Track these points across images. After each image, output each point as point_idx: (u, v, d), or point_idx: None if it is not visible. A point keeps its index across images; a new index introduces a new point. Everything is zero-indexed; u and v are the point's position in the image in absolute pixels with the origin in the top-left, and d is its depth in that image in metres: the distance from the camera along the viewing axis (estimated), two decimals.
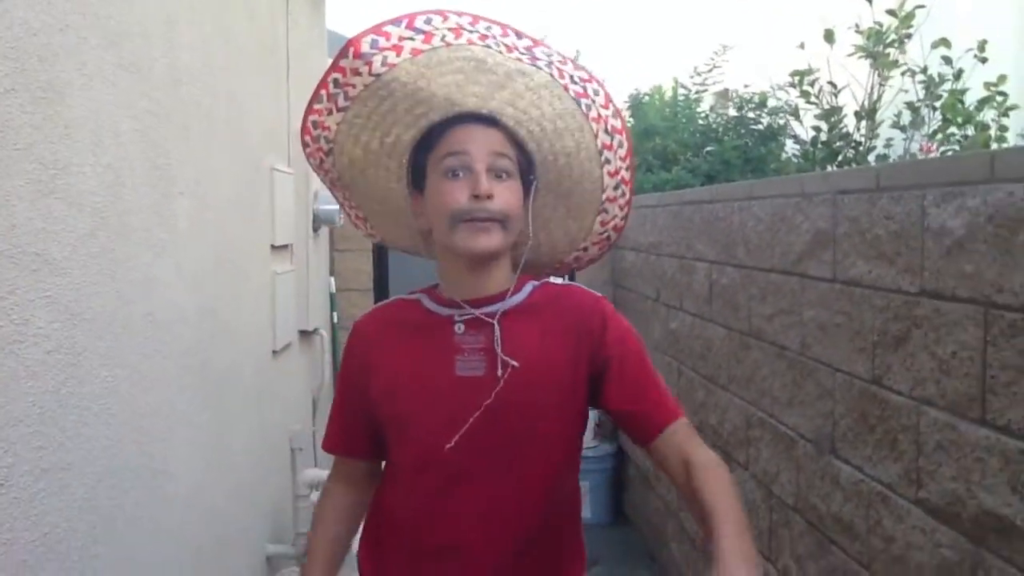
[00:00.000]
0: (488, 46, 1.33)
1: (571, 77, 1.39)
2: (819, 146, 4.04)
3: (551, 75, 1.36)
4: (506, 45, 1.35)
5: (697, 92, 5.29)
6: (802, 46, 4.13)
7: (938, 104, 4.19)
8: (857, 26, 3.97)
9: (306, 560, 1.55)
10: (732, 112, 5.01)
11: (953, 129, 4.24)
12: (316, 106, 1.38)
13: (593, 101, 1.40)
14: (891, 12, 3.85)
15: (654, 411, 1.43)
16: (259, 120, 3.07)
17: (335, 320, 4.69)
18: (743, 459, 2.82)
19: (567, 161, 1.42)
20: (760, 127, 5.01)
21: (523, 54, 1.36)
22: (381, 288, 5.22)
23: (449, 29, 1.32)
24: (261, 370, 3.03)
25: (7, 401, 1.30)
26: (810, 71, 4.10)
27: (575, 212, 1.49)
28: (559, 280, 1.55)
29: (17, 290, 1.33)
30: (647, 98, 5.42)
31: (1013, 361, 1.48)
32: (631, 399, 1.44)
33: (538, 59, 1.36)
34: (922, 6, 3.89)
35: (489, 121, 1.35)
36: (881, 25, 3.92)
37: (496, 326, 1.39)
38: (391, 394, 1.43)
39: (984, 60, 4.32)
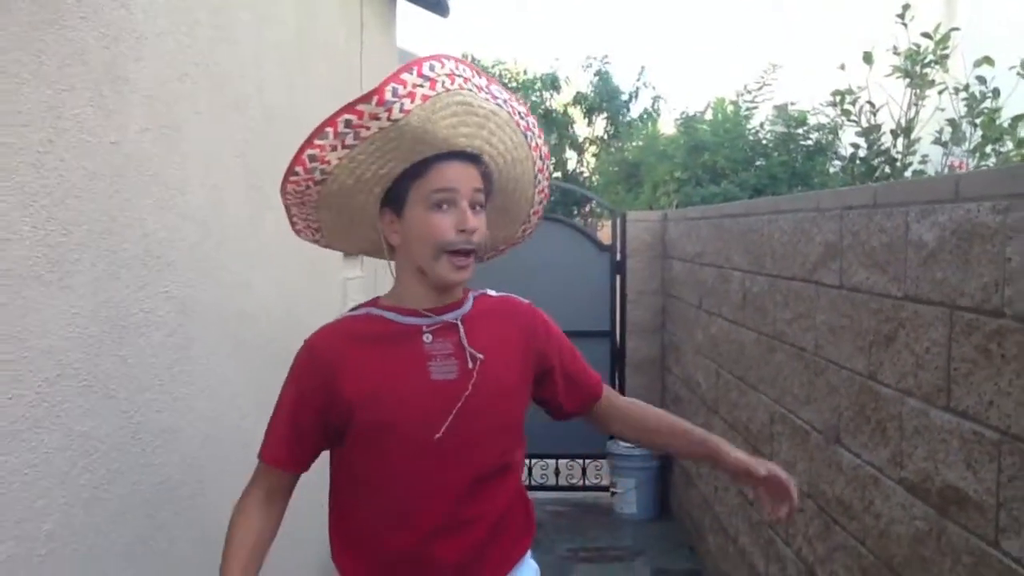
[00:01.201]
0: (470, 89, 1.46)
1: (519, 113, 1.57)
2: (858, 162, 4.25)
3: (508, 112, 1.54)
4: (476, 86, 1.48)
5: (747, 109, 5.51)
6: (843, 67, 4.34)
7: (978, 121, 4.36)
8: (895, 48, 4.17)
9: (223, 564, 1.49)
10: (780, 128, 5.22)
11: (994, 145, 4.40)
12: (318, 141, 1.45)
13: (533, 132, 1.60)
14: (926, 35, 4.04)
15: (594, 387, 1.78)
16: None
17: None
18: (768, 453, 3.06)
19: (514, 186, 1.63)
20: (809, 143, 5.22)
21: (487, 94, 1.50)
22: None
23: (446, 75, 1.43)
24: None
25: (138, 373, 1.65)
26: (851, 91, 4.31)
27: (509, 225, 1.72)
28: (494, 292, 1.71)
29: (146, 286, 1.68)
30: (698, 115, 5.66)
31: (970, 355, 1.73)
32: (576, 385, 1.75)
33: (497, 97, 1.52)
34: (957, 28, 4.07)
35: (471, 158, 1.50)
36: (918, 47, 4.11)
37: (460, 326, 1.55)
38: (371, 402, 1.49)
39: None
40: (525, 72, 10.58)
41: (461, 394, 1.51)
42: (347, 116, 1.42)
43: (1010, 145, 4.35)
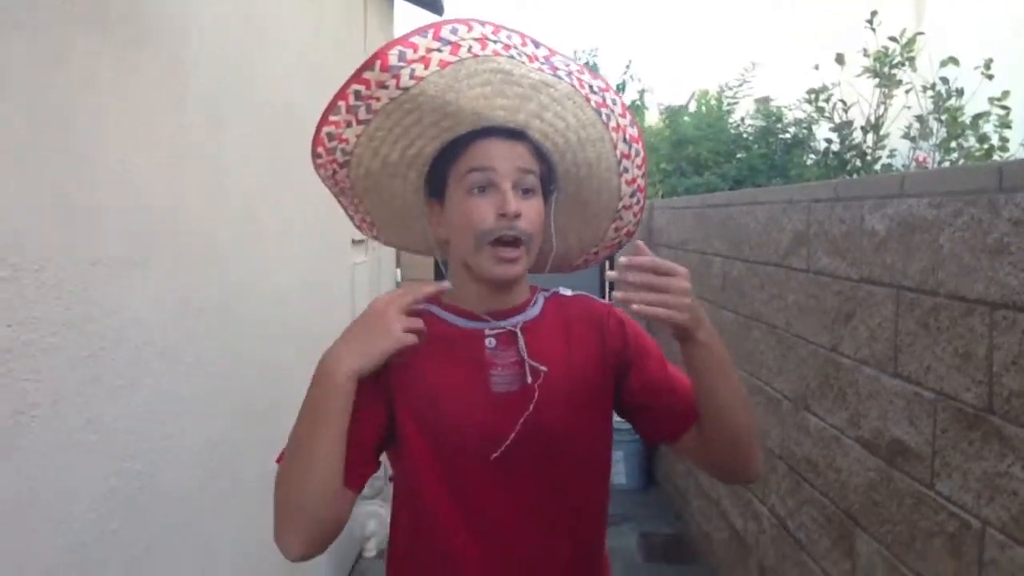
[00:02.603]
0: (512, 56, 1.27)
1: (590, 87, 1.33)
2: (831, 156, 4.54)
3: (572, 85, 1.31)
4: (527, 55, 1.29)
5: (728, 104, 5.79)
6: (817, 67, 4.63)
7: (943, 118, 4.65)
8: (865, 50, 4.45)
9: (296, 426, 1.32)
10: (760, 122, 5.51)
11: (959, 141, 4.71)
12: (332, 118, 1.31)
13: (612, 111, 1.35)
14: (893, 38, 4.33)
15: (690, 409, 1.38)
16: None
17: None
18: None
19: (588, 172, 1.38)
20: (787, 137, 5.50)
21: (543, 64, 1.30)
22: (441, 277, 5.82)
23: (475, 40, 1.25)
24: None
25: (200, 344, 1.91)
26: (824, 89, 4.60)
27: (591, 220, 1.46)
28: (568, 291, 1.50)
29: (205, 268, 1.94)
30: (681, 109, 5.93)
31: (912, 329, 2.01)
32: (664, 403, 1.41)
33: (558, 69, 1.31)
34: (922, 32, 4.36)
35: (515, 134, 1.30)
36: (886, 49, 4.40)
37: (519, 335, 1.35)
38: (425, 413, 1.33)
39: (991, 77, 4.76)
40: None
41: (526, 408, 1.31)
42: (355, 86, 1.27)
43: (973, 141, 4.66)
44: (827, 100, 4.61)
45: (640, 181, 1.42)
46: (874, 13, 4.32)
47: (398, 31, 5.60)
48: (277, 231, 2.57)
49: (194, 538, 1.89)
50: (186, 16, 1.83)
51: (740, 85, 5.76)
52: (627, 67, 10.33)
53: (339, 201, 1.48)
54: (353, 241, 3.85)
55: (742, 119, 5.76)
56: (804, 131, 5.20)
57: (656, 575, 4.08)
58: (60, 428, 1.34)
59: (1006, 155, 4.70)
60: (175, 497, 1.79)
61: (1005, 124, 4.64)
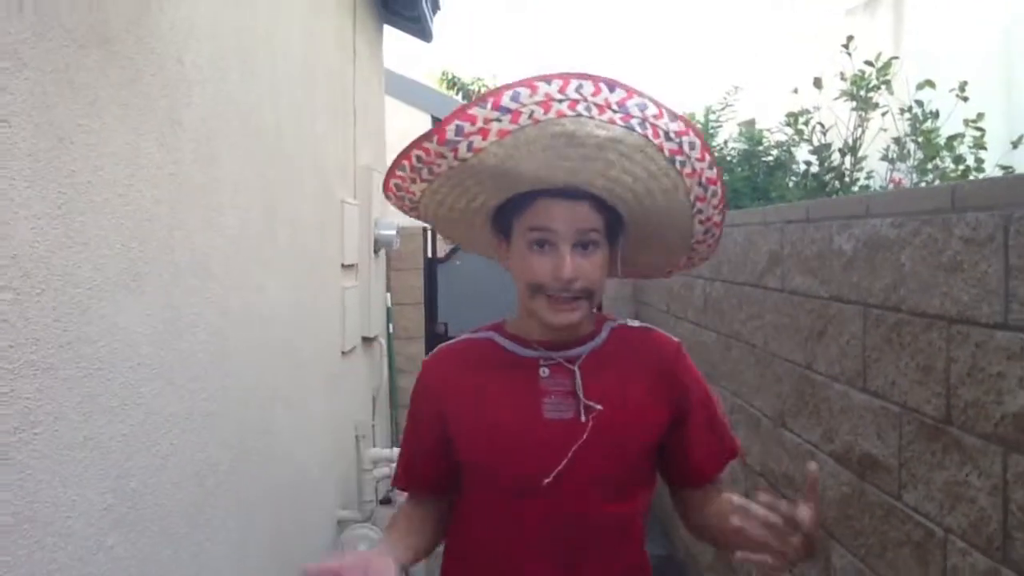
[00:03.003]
0: (579, 113, 1.25)
1: (666, 134, 1.29)
2: (810, 177, 4.64)
3: (645, 135, 1.28)
4: (597, 105, 1.25)
5: (712, 128, 5.90)
6: (796, 91, 4.74)
7: (919, 140, 4.77)
8: (842, 74, 4.57)
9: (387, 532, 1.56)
10: (743, 145, 5.61)
11: (936, 162, 4.82)
12: (399, 173, 1.39)
13: (688, 156, 1.31)
14: (869, 63, 4.45)
15: (713, 460, 1.52)
16: (333, 159, 3.78)
17: (390, 330, 5.38)
18: None
19: (659, 219, 1.40)
20: (769, 159, 5.61)
21: (616, 111, 1.26)
22: (431, 303, 5.90)
23: (537, 103, 1.24)
24: (333, 366, 3.72)
25: (190, 365, 1.98)
26: (804, 112, 4.71)
27: (661, 254, 1.52)
28: (635, 323, 1.55)
29: (196, 292, 2.01)
30: None
31: (878, 344, 2.09)
32: (702, 446, 1.51)
33: (631, 116, 1.27)
34: (896, 57, 4.48)
35: (578, 194, 1.34)
36: (862, 73, 4.51)
37: (577, 372, 1.41)
38: (479, 434, 1.42)
39: (965, 99, 4.89)
40: None
41: (578, 437, 1.38)
42: (417, 152, 1.34)
43: (949, 162, 4.77)
44: (806, 123, 4.72)
45: (716, 218, 1.43)
46: (850, 38, 4.44)
47: (387, 59, 5.71)
48: (268, 256, 2.64)
49: (189, 556, 1.95)
50: (181, 50, 1.92)
51: (723, 108, 5.87)
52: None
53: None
54: (343, 266, 3.92)
55: (725, 142, 5.86)
56: (785, 154, 5.30)
57: None
58: (59, 445, 1.41)
59: (981, 175, 4.81)
60: (169, 515, 1.85)
61: (980, 145, 4.75)
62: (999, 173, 5.40)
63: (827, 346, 2.41)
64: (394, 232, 4.69)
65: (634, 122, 1.27)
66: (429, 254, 6.02)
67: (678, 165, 1.32)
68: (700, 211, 1.39)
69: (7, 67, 1.26)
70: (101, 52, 1.55)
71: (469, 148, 1.27)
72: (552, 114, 1.24)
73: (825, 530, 2.43)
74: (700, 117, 6.27)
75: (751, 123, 7.13)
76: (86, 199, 1.50)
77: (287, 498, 2.88)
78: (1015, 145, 4.99)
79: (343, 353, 3.94)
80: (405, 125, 8.37)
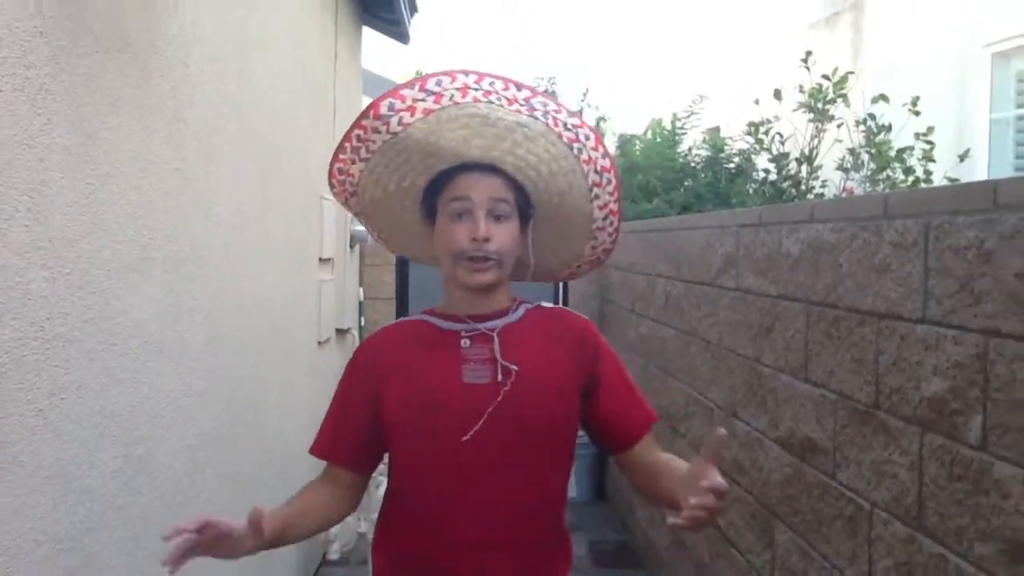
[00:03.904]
0: (491, 102, 1.45)
1: (564, 124, 1.50)
2: (768, 185, 4.88)
3: (547, 124, 1.48)
4: (507, 98, 1.46)
5: (677, 135, 6.13)
6: (757, 102, 4.97)
7: (872, 151, 5.03)
8: (801, 87, 4.81)
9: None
10: (705, 153, 5.84)
11: (887, 172, 5.08)
12: (341, 156, 1.54)
13: (584, 145, 1.52)
14: (826, 76, 4.69)
15: (635, 427, 1.66)
16: (314, 157, 3.93)
17: (362, 323, 5.54)
18: (684, 429, 3.64)
19: (560, 200, 1.56)
20: (731, 166, 5.85)
21: (522, 105, 1.47)
22: (402, 298, 6.05)
23: (456, 89, 1.44)
24: (312, 353, 3.88)
25: (188, 345, 2.14)
26: (764, 122, 4.94)
27: (567, 241, 1.66)
28: (548, 304, 1.70)
29: (195, 279, 2.17)
30: (633, 138, 6.26)
31: (819, 339, 2.31)
32: (619, 411, 1.66)
33: (535, 110, 1.48)
34: (852, 72, 4.72)
35: (491, 169, 1.50)
36: (820, 86, 4.75)
37: (495, 338, 1.56)
38: (407, 399, 1.55)
39: (917, 113, 5.16)
40: None
41: (495, 399, 1.52)
42: (356, 131, 1.49)
43: (899, 173, 5.04)
44: (766, 133, 4.95)
45: (612, 206, 1.61)
46: (808, 53, 4.68)
47: (366, 61, 5.87)
48: (257, 249, 2.80)
49: (184, 512, 2.11)
50: (187, 53, 2.08)
51: (688, 116, 6.10)
52: (584, 95, 10.68)
53: (361, 221, 1.73)
54: (321, 259, 4.08)
55: (690, 148, 6.09)
56: (746, 161, 5.54)
57: None
58: (82, 412, 1.57)
59: (929, 186, 5.08)
60: (169, 482, 2.01)
61: (929, 157, 5.02)
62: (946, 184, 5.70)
63: (774, 341, 2.62)
64: None
65: (537, 114, 1.48)
66: None
67: (575, 151, 1.52)
68: (597, 196, 1.57)
69: (50, 71, 1.42)
70: (122, 56, 1.71)
71: (399, 123, 1.44)
72: (469, 99, 1.44)
73: (770, 510, 2.64)
74: (668, 124, 6.51)
75: (716, 130, 7.38)
76: (107, 191, 1.66)
77: (270, 475, 3.04)
78: (962, 158, 5.28)
79: (319, 343, 4.10)
80: None
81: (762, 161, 5.17)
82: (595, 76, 9.80)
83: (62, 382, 1.49)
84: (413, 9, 5.65)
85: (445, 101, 1.44)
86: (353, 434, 1.63)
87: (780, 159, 4.85)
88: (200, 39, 2.18)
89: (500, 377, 1.53)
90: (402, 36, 5.77)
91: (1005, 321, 1.53)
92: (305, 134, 3.67)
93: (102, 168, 1.63)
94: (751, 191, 5.64)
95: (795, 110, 4.79)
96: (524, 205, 1.57)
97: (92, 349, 1.61)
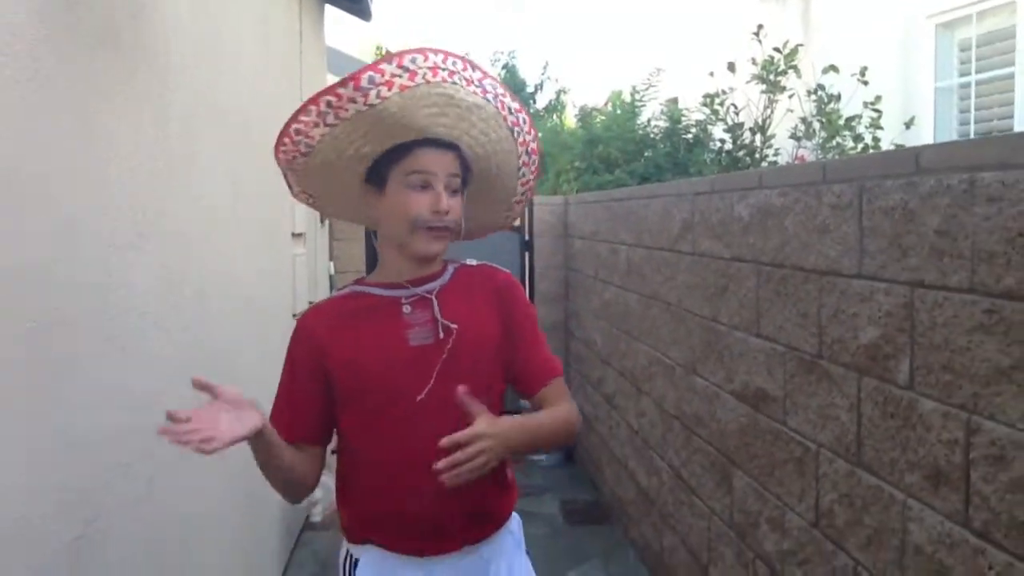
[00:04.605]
0: (455, 82, 1.55)
1: (509, 108, 1.65)
2: (724, 154, 5.06)
3: (496, 108, 1.62)
4: (466, 79, 1.57)
5: (636, 107, 6.30)
6: (712, 74, 5.15)
7: (823, 120, 5.23)
8: (753, 60, 4.98)
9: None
10: (663, 124, 6.02)
11: (837, 140, 5.29)
12: (303, 118, 1.57)
13: (521, 128, 1.69)
14: (777, 49, 4.87)
15: (544, 368, 1.80)
16: None
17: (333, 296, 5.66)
18: (647, 388, 3.83)
19: (496, 174, 1.73)
20: (689, 137, 6.03)
21: (477, 87, 1.59)
22: (372, 270, 6.19)
23: (428, 68, 1.52)
24: (287, 325, 4.01)
25: (181, 316, 2.27)
26: (719, 94, 5.12)
27: (491, 208, 1.83)
28: (473, 262, 1.82)
29: (184, 254, 2.30)
30: (594, 111, 6.41)
31: (768, 296, 2.49)
32: (529, 356, 1.79)
33: (487, 92, 1.61)
34: (801, 44, 4.91)
35: (449, 145, 1.62)
36: (771, 59, 4.94)
37: (434, 300, 1.67)
38: (355, 366, 1.63)
39: (866, 83, 5.35)
40: None
41: (440, 355, 1.63)
42: (328, 97, 1.53)
43: (849, 140, 5.25)
44: (721, 104, 5.13)
45: (531, 182, 1.81)
46: (760, 27, 4.85)
47: (328, 38, 5.94)
48: (236, 227, 2.92)
49: (185, 482, 2.25)
50: (168, 43, 2.19)
51: (647, 89, 6.26)
52: (544, 68, 10.76)
53: (285, 175, 1.78)
54: (293, 235, 4.20)
55: (648, 120, 6.26)
56: (702, 132, 5.73)
57: (576, 535, 4.53)
58: (95, 379, 1.70)
59: (862, 153, 5.29)
60: (167, 447, 2.15)
61: (876, 125, 5.23)
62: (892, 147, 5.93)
63: (728, 300, 2.81)
64: None
65: (489, 96, 1.61)
66: None
67: (515, 134, 1.68)
68: (523, 175, 1.76)
69: (54, 65, 1.54)
70: (112, 50, 1.83)
71: (378, 96, 1.50)
72: (439, 78, 1.54)
73: (728, 458, 2.84)
74: (627, 96, 6.67)
75: (675, 101, 7.55)
76: (104, 174, 1.78)
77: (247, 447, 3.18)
78: (908, 125, 5.50)
79: (293, 316, 4.22)
80: None
81: (718, 131, 5.35)
82: (555, 49, 9.90)
83: (81, 347, 1.63)
84: None
85: (418, 79, 1.52)
86: (307, 410, 1.70)
87: (735, 129, 5.03)
88: (177, 29, 2.29)
89: (442, 335, 1.64)
90: (364, 13, 5.85)
91: (927, 273, 1.72)
92: (272, 111, 3.78)
93: (101, 154, 1.76)
94: (708, 160, 5.83)
95: (748, 82, 4.97)
96: (466, 175, 1.69)
97: (102, 318, 1.74)
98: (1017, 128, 5.91)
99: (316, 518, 3.92)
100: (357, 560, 1.72)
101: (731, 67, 4.97)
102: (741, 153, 5.04)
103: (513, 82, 11.24)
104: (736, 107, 5.04)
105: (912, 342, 1.78)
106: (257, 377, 3.25)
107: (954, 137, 6.58)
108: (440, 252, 1.68)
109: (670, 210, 3.43)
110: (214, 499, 2.63)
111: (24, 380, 1.44)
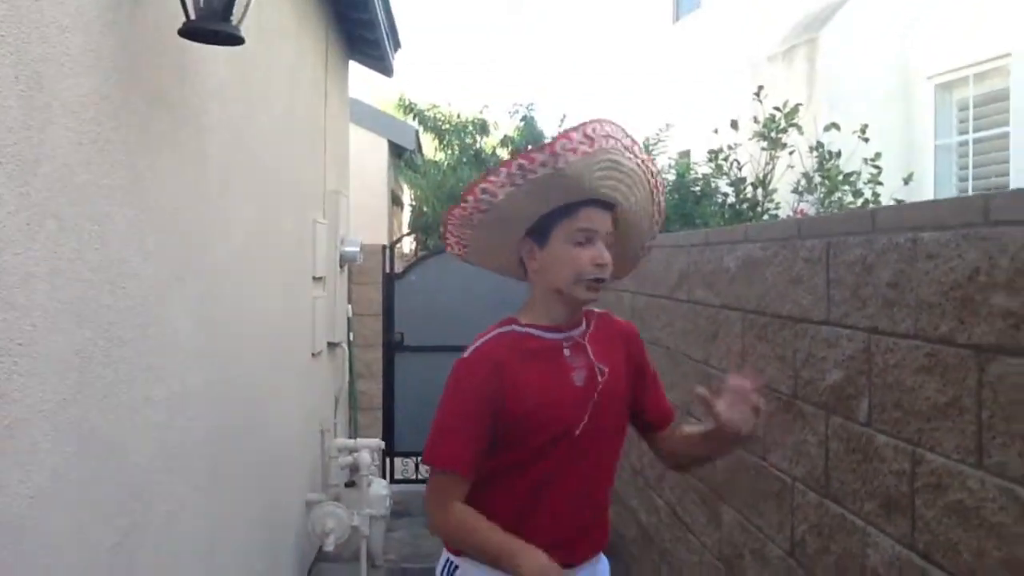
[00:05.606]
0: (619, 149, 1.76)
1: (651, 172, 1.87)
2: (727, 207, 5.27)
3: (643, 172, 1.84)
4: (625, 147, 1.77)
5: None
6: (716, 131, 5.38)
7: (824, 175, 5.44)
8: (755, 118, 5.22)
9: (484, 539, 1.80)
10: (672, 176, 6.24)
11: (838, 195, 5.49)
12: (492, 178, 1.77)
13: (658, 190, 1.91)
14: (777, 108, 5.11)
15: (670, 411, 2.12)
16: (308, 184, 4.30)
17: (351, 338, 5.88)
18: None
19: (634, 232, 1.94)
20: (696, 190, 6.25)
21: (631, 154, 1.80)
22: (389, 313, 6.40)
23: (603, 136, 1.73)
24: (306, 364, 4.23)
25: (211, 351, 2.49)
26: (722, 150, 5.35)
27: (622, 258, 1.98)
28: (597, 309, 2.02)
29: (217, 293, 2.53)
30: None
31: (752, 342, 2.68)
32: (659, 399, 2.09)
33: (637, 157, 1.82)
34: (801, 104, 5.14)
35: (608, 205, 1.82)
36: (772, 117, 5.17)
37: (588, 347, 1.89)
38: (533, 403, 1.81)
39: (866, 140, 5.57)
40: (458, 116, 11.44)
41: (593, 396, 1.85)
42: (521, 161, 1.73)
43: (849, 195, 5.45)
44: (725, 159, 5.36)
45: (657, 235, 2.03)
46: (760, 87, 5.10)
47: (352, 89, 6.24)
48: (261, 267, 3.16)
49: (213, 508, 2.45)
50: (207, 108, 2.44)
51: (656, 143, 6.50)
52: (561, 120, 11.05)
53: (446, 228, 1.94)
54: (314, 278, 4.44)
55: (671, 165, 6.48)
56: (707, 185, 5.95)
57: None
58: (130, 403, 1.92)
59: (831, 213, 5.48)
60: (195, 468, 2.36)
61: (876, 181, 5.44)
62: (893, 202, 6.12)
63: (718, 345, 3.00)
64: (357, 249, 5.21)
65: (636, 161, 1.82)
66: (388, 269, 6.48)
67: (654, 197, 1.91)
68: (653, 233, 1.98)
69: (112, 125, 1.78)
70: (159, 109, 2.08)
71: (566, 162, 1.71)
72: (609, 146, 1.75)
73: (717, 494, 3.01)
74: None
75: (687, 154, 7.80)
76: (151, 220, 2.02)
77: (266, 478, 3.38)
78: (906, 181, 5.70)
79: (313, 355, 4.44)
80: (363, 147, 8.90)
81: (723, 185, 5.57)
82: (571, 101, 10.20)
83: (122, 375, 1.84)
84: (396, 45, 6.04)
85: (596, 147, 1.72)
86: (478, 448, 1.82)
87: (738, 183, 5.25)
88: (216, 91, 2.54)
89: (600, 377, 1.86)
90: (386, 70, 6.16)
91: (880, 320, 1.92)
92: (299, 162, 4.04)
93: (148, 202, 1.99)
94: (713, 213, 6.04)
95: (750, 139, 5.20)
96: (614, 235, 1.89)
97: (140, 348, 1.96)
98: (1013, 185, 6.10)
99: (329, 547, 4.09)
100: (456, 566, 1.91)
101: (734, 124, 5.21)
102: (744, 206, 5.25)
103: (531, 134, 11.52)
104: (739, 162, 5.27)
105: (870, 383, 1.97)
106: (276, 415, 3.46)
107: (953, 193, 6.77)
108: (596, 301, 1.88)
109: (670, 260, 3.64)
110: (239, 527, 2.82)
111: (75, 402, 1.65)
